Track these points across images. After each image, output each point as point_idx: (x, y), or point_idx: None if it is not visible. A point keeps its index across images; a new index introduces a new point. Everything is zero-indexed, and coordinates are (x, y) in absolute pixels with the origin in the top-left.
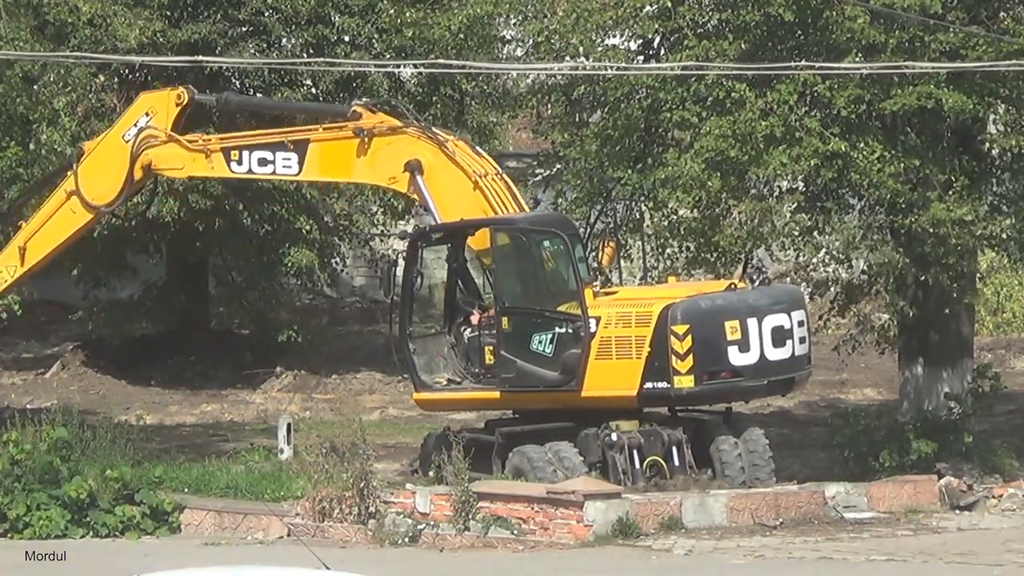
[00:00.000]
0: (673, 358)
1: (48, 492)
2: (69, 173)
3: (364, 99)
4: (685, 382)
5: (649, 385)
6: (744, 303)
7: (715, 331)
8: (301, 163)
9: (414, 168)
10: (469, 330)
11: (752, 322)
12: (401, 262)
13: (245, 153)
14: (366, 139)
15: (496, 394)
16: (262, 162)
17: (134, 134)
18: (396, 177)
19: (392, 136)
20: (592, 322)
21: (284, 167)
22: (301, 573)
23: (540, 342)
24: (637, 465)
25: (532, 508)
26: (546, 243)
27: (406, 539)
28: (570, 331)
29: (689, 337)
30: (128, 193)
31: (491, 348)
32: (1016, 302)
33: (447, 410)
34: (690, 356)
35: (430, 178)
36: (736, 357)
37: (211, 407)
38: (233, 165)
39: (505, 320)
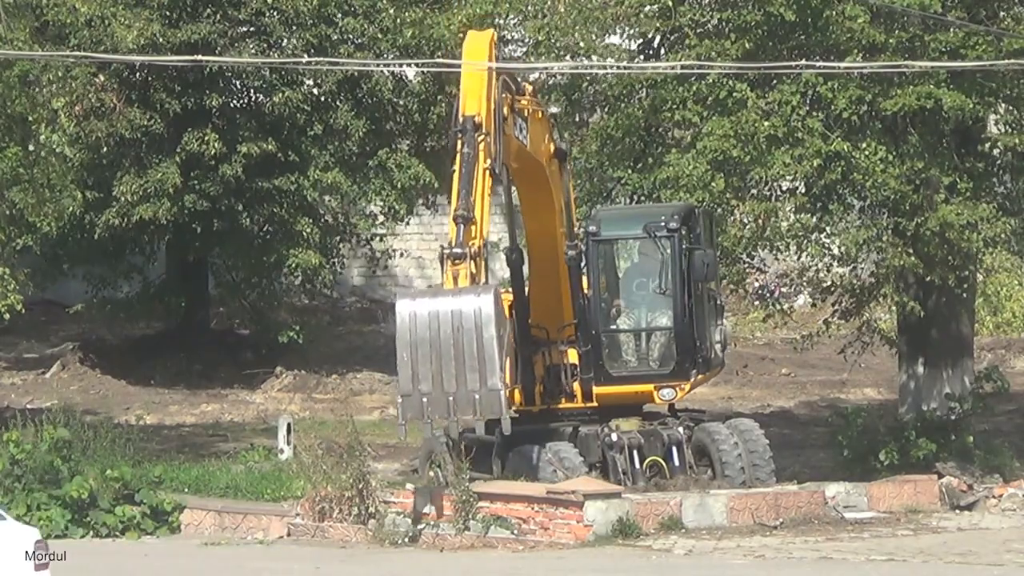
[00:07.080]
0: None
1: (48, 492)
2: (482, 145)
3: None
4: None
5: None
6: None
7: None
8: (526, 136)
9: (564, 156)
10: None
11: None
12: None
13: (517, 118)
14: (548, 121)
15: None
16: (520, 128)
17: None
18: (546, 159)
19: (542, 117)
20: None
21: (521, 136)
22: None
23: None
24: (637, 465)
25: (532, 508)
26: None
27: (406, 539)
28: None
29: None
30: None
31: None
32: (1016, 302)
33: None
34: None
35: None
36: None
37: (211, 407)
38: (515, 129)
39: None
